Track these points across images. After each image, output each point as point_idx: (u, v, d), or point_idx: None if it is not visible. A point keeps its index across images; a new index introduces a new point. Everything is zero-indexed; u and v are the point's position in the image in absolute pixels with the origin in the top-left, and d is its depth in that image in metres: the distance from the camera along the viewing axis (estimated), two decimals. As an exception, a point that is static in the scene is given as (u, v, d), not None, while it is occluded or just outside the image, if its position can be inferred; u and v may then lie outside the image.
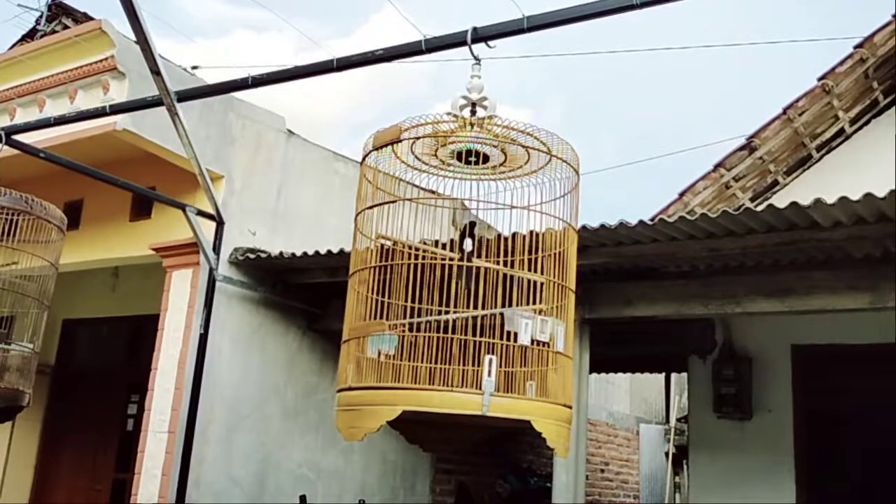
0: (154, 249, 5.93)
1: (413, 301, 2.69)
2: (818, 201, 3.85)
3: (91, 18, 7.60)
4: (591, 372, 5.53)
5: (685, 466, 10.85)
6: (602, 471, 10.75)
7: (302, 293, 6.34)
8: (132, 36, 5.05)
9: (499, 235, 2.72)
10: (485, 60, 2.85)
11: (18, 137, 4.45)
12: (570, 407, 2.56)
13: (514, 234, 2.67)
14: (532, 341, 2.49)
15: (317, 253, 5.54)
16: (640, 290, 5.07)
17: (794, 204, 3.92)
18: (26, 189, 3.75)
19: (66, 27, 9.58)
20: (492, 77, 2.78)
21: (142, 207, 6.26)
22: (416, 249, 2.70)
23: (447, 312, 2.61)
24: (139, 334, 7.71)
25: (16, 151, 4.47)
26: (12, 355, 3.79)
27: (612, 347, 6.31)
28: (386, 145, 2.72)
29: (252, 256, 5.88)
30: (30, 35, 10.37)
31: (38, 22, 10.76)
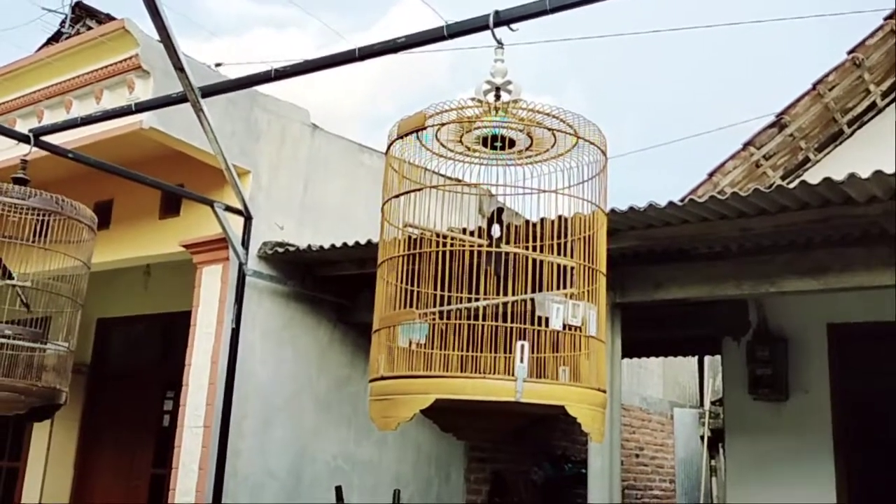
0: (184, 246, 5.97)
1: (442, 289, 2.68)
2: (852, 176, 3.77)
3: (114, 19, 7.65)
4: (623, 357, 5.49)
5: (721, 450, 10.77)
6: (637, 456, 10.70)
7: (331, 286, 6.35)
8: (155, 34, 5.10)
9: (527, 221, 2.69)
10: (504, 48, 2.82)
11: (47, 139, 4.49)
12: (604, 391, 2.53)
13: (542, 220, 2.64)
14: (564, 326, 2.47)
15: (345, 245, 5.54)
16: (671, 273, 5.01)
17: (827, 179, 3.84)
18: (56, 190, 3.78)
19: (89, 28, 9.66)
20: (510, 65, 2.75)
21: (171, 205, 6.30)
22: (444, 237, 2.68)
23: (477, 300, 2.59)
24: (172, 331, 7.78)
25: (45, 153, 4.51)
26: (48, 355, 3.84)
27: (643, 331, 6.25)
28: (411, 133, 2.69)
29: (281, 250, 5.90)
30: (55, 38, 10.49)
31: (62, 24, 10.88)
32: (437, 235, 2.67)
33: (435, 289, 2.69)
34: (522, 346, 2.32)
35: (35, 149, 4.19)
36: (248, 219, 5.71)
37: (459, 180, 2.83)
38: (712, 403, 10.94)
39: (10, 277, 3.80)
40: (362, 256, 5.67)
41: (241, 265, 5.64)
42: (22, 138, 4.35)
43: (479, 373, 2.41)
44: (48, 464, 8.38)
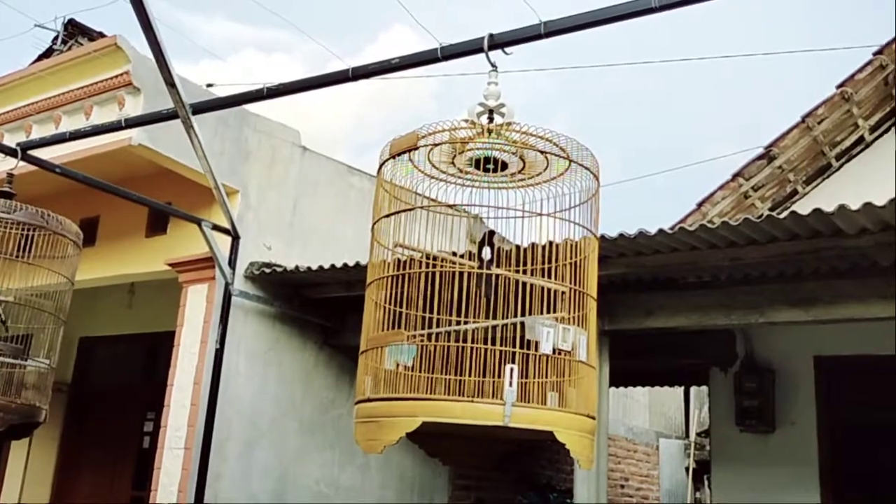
0: (170, 265, 5.92)
1: (430, 311, 2.65)
2: (842, 207, 3.77)
3: (106, 37, 7.64)
4: (609, 385, 5.45)
5: (706, 481, 10.71)
6: (622, 486, 10.62)
7: (318, 308, 6.30)
8: (147, 52, 5.08)
9: (518, 245, 2.67)
10: (497, 71, 2.82)
11: (34, 153, 4.45)
12: (593, 417, 2.50)
13: (532, 244, 2.62)
14: (554, 350, 2.44)
15: (332, 267, 5.50)
16: (660, 301, 5.00)
17: (817, 210, 3.85)
18: (42, 205, 3.74)
19: (81, 46, 9.65)
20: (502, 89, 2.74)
21: (157, 223, 6.25)
22: (434, 259, 2.65)
23: (466, 322, 2.56)
24: (155, 351, 7.70)
25: (32, 167, 4.47)
26: (28, 371, 3.77)
27: (631, 360, 6.22)
28: (403, 153, 2.68)
29: (268, 271, 5.85)
30: (46, 55, 10.46)
31: (54, 42, 10.85)
32: (427, 257, 2.64)
33: (423, 311, 2.66)
34: (512, 370, 2.29)
35: (22, 163, 4.15)
36: (235, 238, 5.67)
37: (451, 205, 2.81)
38: (698, 434, 10.90)
39: (-8, 292, 3.73)
40: (350, 279, 5.63)
41: (227, 285, 5.59)
42: (9, 152, 4.32)
43: (467, 396, 2.38)
44: (25, 483, 8.24)
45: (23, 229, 3.74)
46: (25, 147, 4.32)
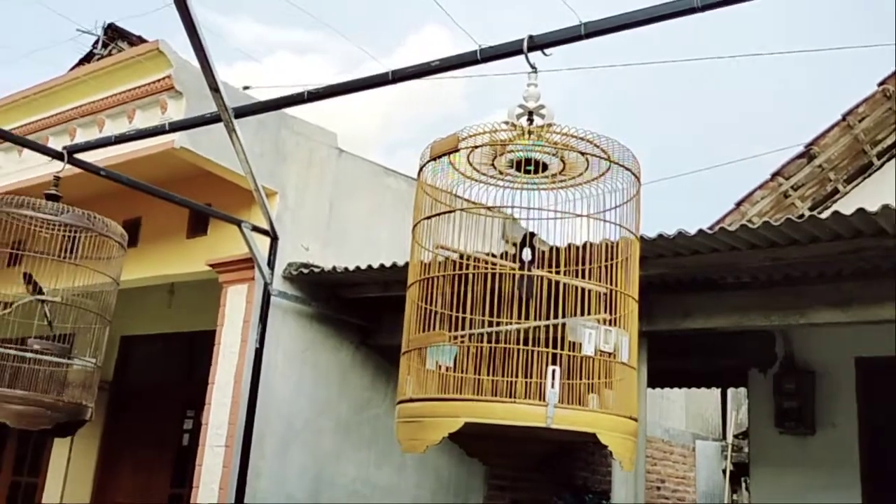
0: (211, 265, 6.00)
1: (471, 312, 2.66)
2: (886, 207, 3.73)
3: (145, 41, 7.76)
4: (647, 387, 5.43)
5: (743, 484, 10.61)
6: (658, 489, 10.54)
7: (354, 308, 6.35)
8: (188, 56, 5.16)
9: (557, 246, 2.67)
10: (521, 75, 2.83)
11: (79, 156, 4.53)
12: (635, 419, 2.50)
13: (569, 245, 2.62)
14: (595, 351, 2.44)
15: (370, 267, 5.54)
16: (698, 302, 4.97)
17: (860, 210, 3.80)
18: (86, 207, 3.81)
19: (121, 50, 9.82)
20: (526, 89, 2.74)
21: (198, 224, 6.34)
22: (476, 260, 2.67)
23: (508, 324, 2.57)
24: (194, 350, 7.81)
25: (76, 170, 4.55)
26: (74, 370, 3.85)
27: (668, 361, 6.19)
28: (443, 155, 2.70)
29: (306, 271, 5.91)
30: (87, 59, 10.66)
31: (94, 46, 11.05)
32: (470, 258, 2.66)
33: (464, 312, 2.68)
34: (554, 371, 2.30)
35: (68, 166, 4.23)
36: (274, 239, 5.74)
37: (490, 207, 2.82)
38: (735, 436, 10.80)
39: (41, 293, 3.82)
40: (386, 279, 5.67)
41: (266, 285, 5.66)
42: (56, 155, 4.40)
43: (508, 397, 2.39)
44: (67, 480, 8.39)
45: (69, 231, 3.83)
46: (71, 150, 4.40)
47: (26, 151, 6.02)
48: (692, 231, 4.23)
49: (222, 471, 5.50)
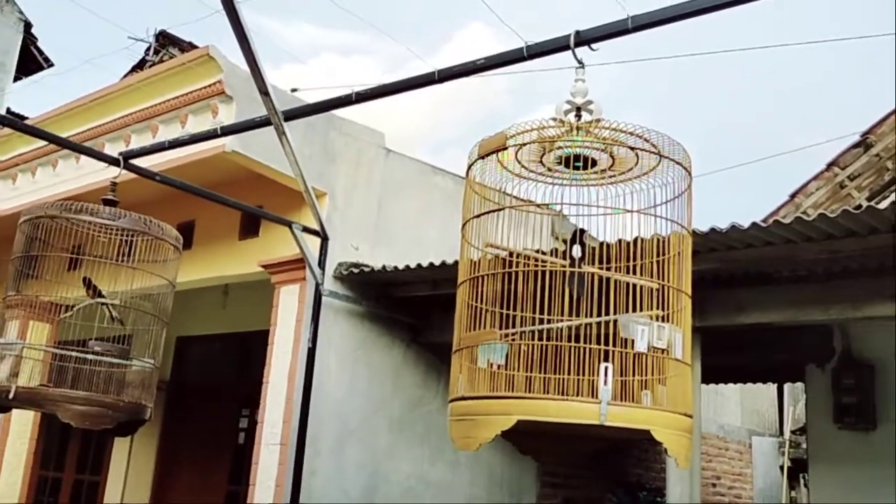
0: (263, 266, 6.09)
1: (522, 310, 2.66)
2: (948, 197, 3.62)
3: (196, 47, 7.90)
4: (700, 382, 5.36)
5: (801, 480, 10.40)
6: (714, 485, 10.40)
7: (404, 306, 6.38)
8: (237, 61, 5.23)
9: (607, 243, 2.65)
10: (565, 71, 2.81)
11: (134, 162, 4.64)
12: (690, 416, 2.47)
13: (619, 241, 2.60)
14: (648, 348, 2.42)
15: (419, 266, 5.57)
16: (753, 297, 4.88)
17: (920, 200, 3.70)
18: (140, 211, 3.89)
19: (172, 56, 10.01)
20: (567, 84, 2.73)
21: (250, 226, 6.43)
22: (526, 258, 2.66)
23: (560, 321, 2.56)
24: (248, 349, 7.92)
25: (132, 175, 4.65)
26: (133, 371, 3.94)
27: (722, 357, 6.09)
28: (492, 153, 2.70)
29: (356, 271, 5.96)
30: (139, 66, 10.90)
31: (146, 52, 11.29)
32: (520, 256, 2.65)
33: (514, 309, 2.67)
34: (606, 368, 2.28)
35: (123, 171, 4.33)
36: (324, 239, 5.79)
37: (539, 204, 2.81)
38: (793, 432, 10.60)
39: (101, 296, 3.92)
40: (436, 277, 5.69)
41: (317, 285, 5.72)
42: (112, 161, 4.51)
43: (561, 395, 2.38)
44: (128, 478, 8.60)
45: (126, 235, 3.92)
46: (127, 156, 4.51)
47: (83, 158, 6.18)
48: (745, 224, 4.15)
49: (278, 468, 5.58)
